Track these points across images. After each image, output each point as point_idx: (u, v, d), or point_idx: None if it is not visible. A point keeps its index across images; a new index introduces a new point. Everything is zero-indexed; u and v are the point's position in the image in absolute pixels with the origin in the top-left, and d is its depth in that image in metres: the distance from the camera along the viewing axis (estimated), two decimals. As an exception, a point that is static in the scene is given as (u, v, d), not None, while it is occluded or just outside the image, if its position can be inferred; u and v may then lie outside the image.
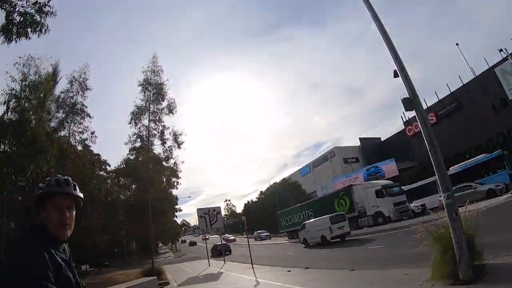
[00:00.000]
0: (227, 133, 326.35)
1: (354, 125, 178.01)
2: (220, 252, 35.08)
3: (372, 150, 72.10)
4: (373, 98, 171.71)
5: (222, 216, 37.00)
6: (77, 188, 2.21)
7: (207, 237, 67.93)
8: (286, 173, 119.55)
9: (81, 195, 2.23)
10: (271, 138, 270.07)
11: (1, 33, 11.84)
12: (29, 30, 12.21)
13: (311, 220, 32.63)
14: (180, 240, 75.97)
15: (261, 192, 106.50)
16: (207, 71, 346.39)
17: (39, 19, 12.38)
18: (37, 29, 12.34)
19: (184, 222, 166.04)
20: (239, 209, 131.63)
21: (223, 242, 39.81)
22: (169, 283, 20.58)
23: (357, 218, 34.43)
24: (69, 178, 2.22)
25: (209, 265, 26.41)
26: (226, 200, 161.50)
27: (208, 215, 29.76)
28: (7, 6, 11.82)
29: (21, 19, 12.08)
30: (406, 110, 9.19)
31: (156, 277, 18.05)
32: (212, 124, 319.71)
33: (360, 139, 79.77)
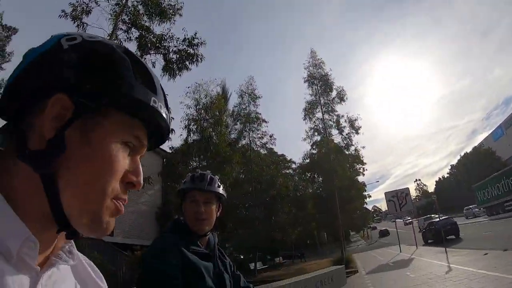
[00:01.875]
0: (407, 109, 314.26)
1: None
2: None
3: None
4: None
5: (414, 197, 35.58)
6: (216, 183, 2.25)
7: (410, 220, 64.78)
8: (477, 140, 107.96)
9: (220, 190, 2.25)
10: (453, 104, 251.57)
11: (165, 72, 13.45)
12: (187, 63, 13.66)
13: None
14: (371, 227, 74.29)
15: (452, 166, 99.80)
16: (371, 48, 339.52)
17: (192, 51, 13.87)
18: (194, 60, 13.80)
19: (376, 208, 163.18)
20: (431, 188, 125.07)
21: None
22: (357, 271, 20.59)
23: None
24: (206, 173, 2.29)
25: (400, 251, 25.65)
26: (416, 180, 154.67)
27: (396, 197, 28.59)
28: (162, 50, 13.44)
29: (177, 56, 13.62)
30: None
31: (343, 265, 18.29)
32: (391, 101, 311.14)
33: (556, 83, 65.48)
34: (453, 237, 26.43)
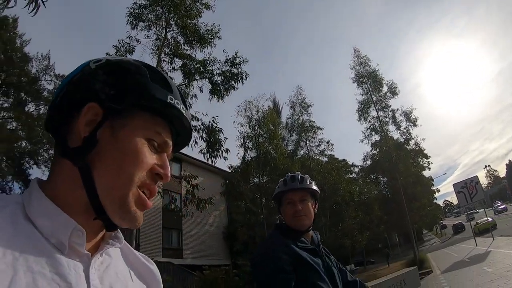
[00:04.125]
0: (465, 92, 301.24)
1: None
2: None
3: None
4: None
5: (485, 185, 33.84)
6: (307, 180, 2.34)
7: (503, 206, 58.93)
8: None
9: (312, 186, 2.33)
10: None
11: (213, 95, 13.84)
12: (233, 82, 14.00)
13: None
14: (441, 224, 69.16)
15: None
16: (416, 33, 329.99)
17: (236, 71, 14.11)
18: (239, 79, 14.08)
19: (447, 202, 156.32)
20: (502, 172, 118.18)
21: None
22: (432, 271, 19.94)
23: None
24: (297, 173, 2.39)
25: (476, 245, 24.52)
26: (486, 166, 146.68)
27: (466, 188, 27.28)
28: (206, 74, 13.85)
29: (222, 78, 14.00)
30: None
31: (416, 267, 17.73)
32: (446, 88, 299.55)
33: None
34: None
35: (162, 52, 13.67)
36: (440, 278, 16.53)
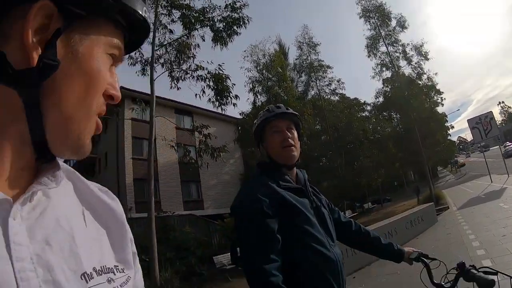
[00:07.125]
0: (478, 25, 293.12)
1: None
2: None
3: None
4: None
5: (499, 122, 33.02)
6: (290, 110, 2.07)
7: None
8: None
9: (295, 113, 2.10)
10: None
11: (216, 43, 13.61)
12: (235, 27, 13.75)
13: None
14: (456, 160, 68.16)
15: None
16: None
17: (237, 15, 13.77)
18: (241, 23, 13.77)
19: (461, 139, 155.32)
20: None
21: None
22: (448, 208, 19.90)
23: None
24: (281, 105, 2.11)
25: (491, 182, 24.41)
26: (500, 102, 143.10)
27: (481, 123, 26.69)
28: (207, 22, 13.54)
29: (224, 24, 13.71)
30: None
31: (432, 203, 17.78)
32: (459, 19, 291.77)
33: None
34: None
35: (159, 5, 13.16)
36: (457, 214, 16.46)
